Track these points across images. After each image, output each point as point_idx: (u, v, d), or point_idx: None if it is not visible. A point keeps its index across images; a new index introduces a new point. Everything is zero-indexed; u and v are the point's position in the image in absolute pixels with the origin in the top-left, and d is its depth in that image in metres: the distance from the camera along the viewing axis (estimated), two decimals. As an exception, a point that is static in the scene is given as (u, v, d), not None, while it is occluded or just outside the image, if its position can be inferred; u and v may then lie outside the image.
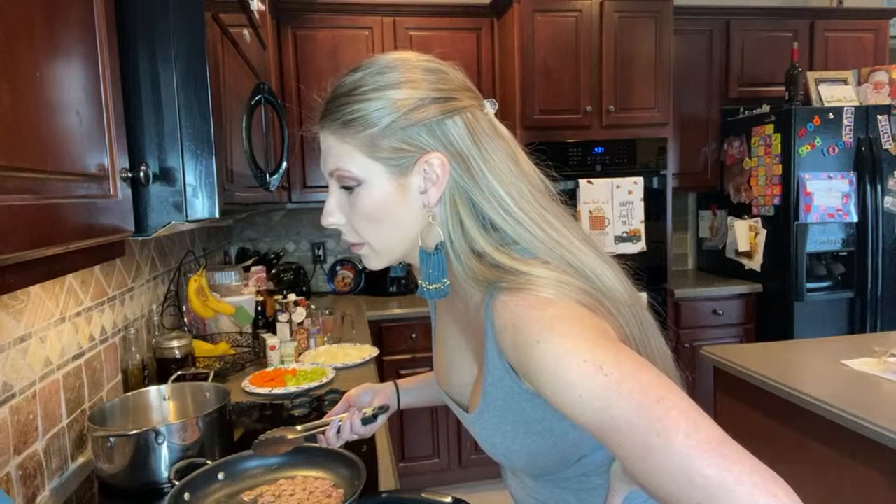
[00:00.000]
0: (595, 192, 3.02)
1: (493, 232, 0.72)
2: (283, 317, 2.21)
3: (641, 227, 3.06)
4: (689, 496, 0.52)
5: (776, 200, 3.10)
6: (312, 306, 2.49)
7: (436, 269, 0.73)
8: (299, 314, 2.27)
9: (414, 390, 1.14)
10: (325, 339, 2.31)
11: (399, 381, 1.15)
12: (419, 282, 0.76)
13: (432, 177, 0.71)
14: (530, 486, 0.87)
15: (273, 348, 2.03)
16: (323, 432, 1.06)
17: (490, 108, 0.77)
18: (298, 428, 1.04)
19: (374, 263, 0.79)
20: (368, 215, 0.73)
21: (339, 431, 1.06)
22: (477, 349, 0.78)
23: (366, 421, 1.05)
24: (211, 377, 1.58)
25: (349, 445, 1.12)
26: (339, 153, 0.72)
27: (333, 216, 0.77)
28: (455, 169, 0.71)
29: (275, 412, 1.64)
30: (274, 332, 2.21)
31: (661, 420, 0.54)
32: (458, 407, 0.86)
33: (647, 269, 3.06)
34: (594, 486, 0.80)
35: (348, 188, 0.74)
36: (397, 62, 0.72)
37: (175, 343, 1.73)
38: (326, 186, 2.79)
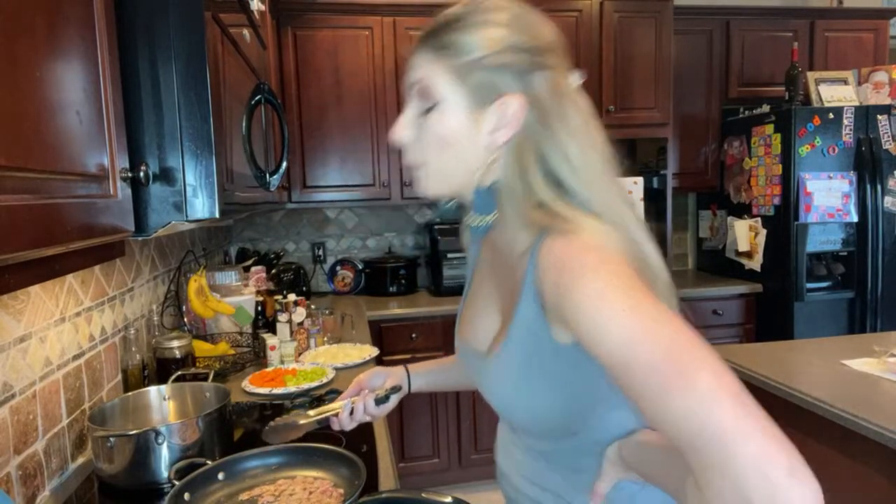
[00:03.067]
0: (595, 192, 3.02)
1: (552, 184, 0.74)
2: (283, 317, 2.21)
3: (641, 227, 3.06)
4: (697, 441, 0.53)
5: (776, 200, 3.10)
6: (312, 306, 2.49)
7: (486, 203, 0.77)
8: (299, 314, 2.27)
9: (424, 374, 1.14)
10: (325, 339, 2.31)
11: (409, 365, 1.15)
12: (466, 218, 0.79)
13: (505, 119, 0.73)
14: (519, 461, 0.88)
15: (273, 348, 2.03)
16: (336, 415, 1.05)
17: (577, 79, 0.79)
18: (310, 413, 1.04)
19: (429, 188, 0.80)
20: (437, 138, 0.76)
21: (352, 413, 1.05)
22: (507, 300, 0.80)
23: (379, 402, 1.05)
24: (211, 377, 1.58)
25: (350, 446, 1.12)
26: (429, 70, 0.75)
27: (404, 131, 0.79)
28: (530, 118, 0.73)
29: (275, 412, 1.64)
30: (274, 332, 2.21)
31: (687, 364, 0.55)
32: (473, 354, 0.87)
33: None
34: (584, 468, 0.80)
35: (424, 110, 0.76)
36: (507, 5, 0.75)
37: (175, 343, 1.73)
38: (326, 186, 2.82)
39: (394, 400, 1.08)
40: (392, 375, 1.12)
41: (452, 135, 0.75)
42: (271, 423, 1.04)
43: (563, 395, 0.75)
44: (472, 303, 0.92)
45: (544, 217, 0.72)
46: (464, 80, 0.74)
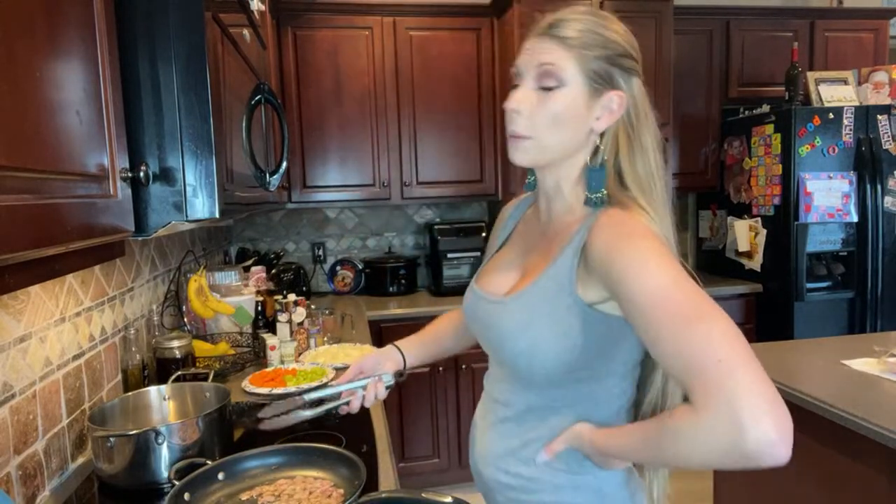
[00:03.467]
0: (595, 192, 3.02)
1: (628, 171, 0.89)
2: (283, 317, 2.21)
3: (641, 227, 3.06)
4: (709, 365, 0.66)
5: (776, 200, 3.10)
6: (312, 306, 2.49)
7: (599, 181, 0.89)
8: (299, 314, 2.27)
9: (415, 350, 1.22)
10: (325, 339, 2.31)
11: (398, 343, 1.22)
12: (585, 193, 0.90)
13: (609, 110, 0.88)
14: (492, 424, 1.00)
15: (273, 348, 2.03)
16: (347, 403, 1.10)
17: None
18: (307, 400, 1.08)
19: (526, 158, 0.91)
20: (554, 115, 0.87)
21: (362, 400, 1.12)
22: (538, 258, 0.94)
23: (386, 388, 1.12)
24: (211, 377, 1.58)
25: (350, 446, 1.12)
26: (558, 55, 0.86)
27: (523, 103, 0.88)
28: (627, 113, 0.89)
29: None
30: (274, 332, 2.21)
31: (710, 311, 0.70)
32: (487, 299, 0.99)
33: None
34: (543, 433, 0.92)
35: (546, 88, 0.87)
36: (614, 18, 0.91)
37: (175, 343, 1.73)
38: (326, 186, 2.82)
39: (393, 383, 1.16)
40: (389, 359, 1.18)
41: (566, 115, 0.87)
42: (266, 411, 1.07)
43: (563, 345, 0.86)
44: (495, 262, 1.06)
45: (619, 195, 0.87)
46: (587, 71, 0.86)
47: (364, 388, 1.11)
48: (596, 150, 0.90)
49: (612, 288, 0.79)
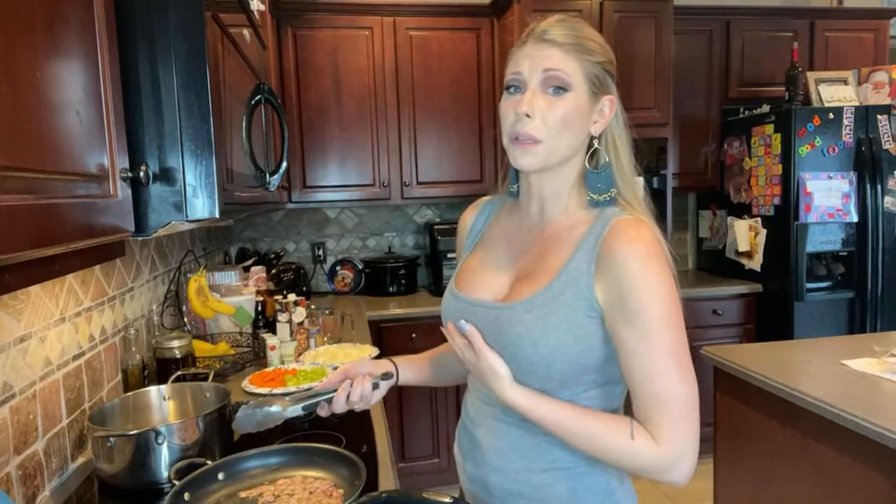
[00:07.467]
0: (595, 192, 3.01)
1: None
2: (283, 317, 2.21)
3: (641, 227, 3.05)
4: (662, 412, 0.82)
5: (776, 200, 3.10)
6: (312, 306, 2.49)
7: (605, 182, 0.93)
8: (299, 314, 2.27)
9: (410, 367, 1.17)
10: (325, 339, 2.31)
11: (394, 358, 1.17)
12: (589, 195, 0.93)
13: (603, 114, 0.92)
14: (492, 428, 0.97)
15: (273, 348, 2.03)
16: (329, 401, 1.05)
17: None
18: (287, 399, 1.05)
19: (536, 161, 0.90)
20: (564, 117, 0.88)
21: (348, 397, 1.06)
22: (538, 261, 0.94)
23: (373, 386, 1.07)
24: (211, 377, 1.58)
25: (350, 446, 1.12)
26: (564, 60, 0.88)
27: (535, 107, 0.88)
28: (614, 117, 0.93)
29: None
30: (274, 332, 2.21)
31: (683, 362, 0.84)
32: (481, 304, 0.97)
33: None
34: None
35: (558, 89, 0.88)
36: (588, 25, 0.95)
37: (175, 343, 1.73)
38: (326, 186, 2.82)
39: (383, 387, 1.09)
40: (380, 365, 1.13)
41: (573, 118, 0.89)
42: (244, 407, 1.03)
43: (582, 349, 0.87)
44: (474, 266, 1.04)
45: (617, 200, 0.92)
46: (589, 76, 0.89)
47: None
48: (594, 153, 0.93)
49: (618, 299, 0.84)
